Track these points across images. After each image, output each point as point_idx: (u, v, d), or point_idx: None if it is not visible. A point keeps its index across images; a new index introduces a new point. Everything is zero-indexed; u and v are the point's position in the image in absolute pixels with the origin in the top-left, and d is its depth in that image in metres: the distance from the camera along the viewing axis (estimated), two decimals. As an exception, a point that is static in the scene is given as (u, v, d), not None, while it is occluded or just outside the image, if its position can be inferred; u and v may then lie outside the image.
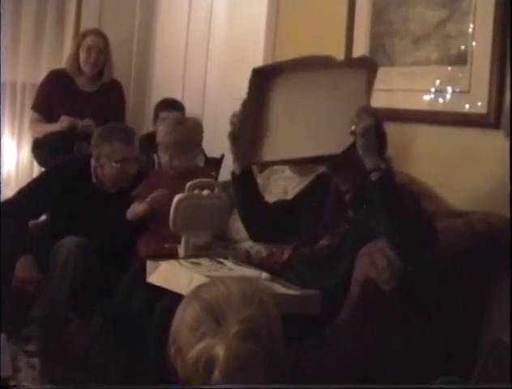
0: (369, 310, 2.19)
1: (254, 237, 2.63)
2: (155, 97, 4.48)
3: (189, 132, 2.85)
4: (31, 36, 4.79)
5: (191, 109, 3.94)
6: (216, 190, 2.52)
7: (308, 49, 2.81)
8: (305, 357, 2.11)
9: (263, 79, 2.33)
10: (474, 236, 2.39)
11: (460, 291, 2.37)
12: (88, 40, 4.03)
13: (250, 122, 2.32)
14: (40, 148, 3.98)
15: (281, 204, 2.67)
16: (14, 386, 2.14)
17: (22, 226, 2.90)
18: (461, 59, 2.74)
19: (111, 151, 2.91)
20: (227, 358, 1.14)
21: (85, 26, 4.52)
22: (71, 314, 2.90)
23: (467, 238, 2.38)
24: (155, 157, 3.59)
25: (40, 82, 4.18)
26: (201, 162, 3.45)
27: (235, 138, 2.31)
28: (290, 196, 2.96)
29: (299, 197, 2.58)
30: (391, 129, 2.34)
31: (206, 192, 2.49)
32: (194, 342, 1.18)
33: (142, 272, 2.40)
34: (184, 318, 1.23)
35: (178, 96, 4.20)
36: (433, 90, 2.85)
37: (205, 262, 2.33)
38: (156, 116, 3.83)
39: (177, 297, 1.64)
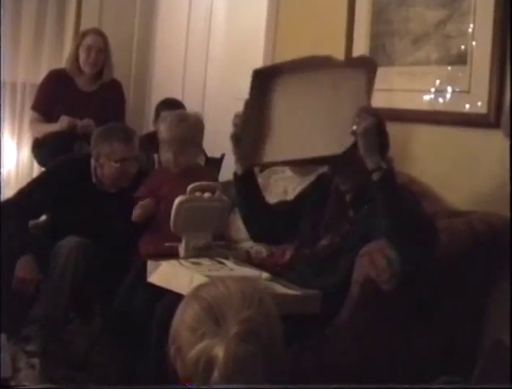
0: (369, 310, 2.19)
1: (255, 237, 2.63)
2: (155, 97, 4.48)
3: (193, 128, 2.86)
4: (31, 35, 4.79)
5: (191, 108, 3.93)
6: (217, 192, 2.52)
7: (308, 49, 2.82)
8: (305, 357, 2.11)
9: (264, 80, 2.33)
10: (474, 236, 2.39)
11: (460, 291, 2.38)
12: (88, 40, 4.03)
13: (252, 123, 2.32)
14: (40, 148, 3.98)
15: (282, 205, 2.67)
16: (14, 386, 2.14)
17: (22, 226, 2.90)
18: (461, 59, 2.74)
19: (110, 151, 2.91)
20: (226, 359, 1.14)
21: (85, 26, 4.51)
22: (71, 313, 2.91)
23: (467, 238, 2.38)
24: (156, 157, 3.59)
25: (40, 82, 4.18)
26: (201, 162, 3.45)
27: (237, 139, 2.31)
28: (290, 196, 2.96)
29: (300, 197, 2.58)
30: (391, 129, 2.34)
31: (207, 195, 2.49)
32: (193, 342, 1.18)
33: (143, 272, 2.40)
34: (184, 318, 1.23)
35: (178, 96, 4.20)
36: (433, 90, 2.85)
37: (205, 262, 2.34)
38: (158, 115, 3.83)
39: (178, 297, 1.64)
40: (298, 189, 2.86)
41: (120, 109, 4.16)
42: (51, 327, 2.74)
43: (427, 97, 2.88)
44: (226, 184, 2.80)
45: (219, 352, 1.15)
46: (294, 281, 2.19)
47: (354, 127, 2.07)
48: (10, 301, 2.67)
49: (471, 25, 2.70)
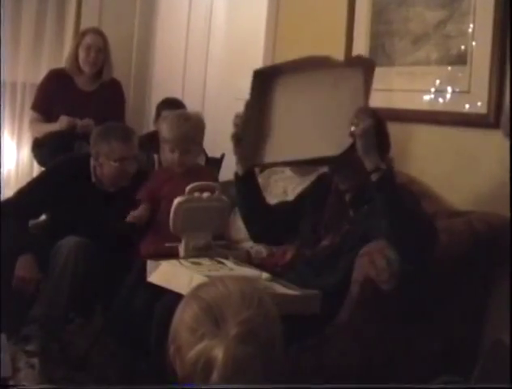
0: (369, 310, 2.19)
1: (255, 237, 2.63)
2: (155, 97, 4.48)
3: (195, 128, 2.86)
4: (31, 35, 4.79)
5: (191, 108, 3.93)
6: (217, 192, 2.51)
7: (308, 48, 2.82)
8: (305, 357, 2.11)
9: (265, 81, 2.33)
10: (474, 236, 2.39)
11: (460, 291, 2.38)
12: (87, 39, 4.03)
13: (253, 123, 2.32)
14: (39, 148, 3.98)
15: (282, 205, 2.67)
16: (14, 385, 2.14)
17: (22, 226, 2.91)
18: (461, 59, 2.74)
19: (109, 150, 2.91)
20: (225, 361, 1.14)
21: (85, 25, 4.51)
22: (71, 313, 2.90)
23: (467, 238, 2.38)
24: (155, 157, 3.59)
25: (40, 82, 4.18)
26: (202, 161, 3.45)
27: (238, 139, 2.31)
28: (290, 196, 2.96)
29: (300, 197, 2.58)
30: (391, 129, 2.34)
31: (206, 195, 2.49)
32: (193, 343, 1.18)
33: (144, 272, 2.40)
34: (183, 318, 1.23)
35: (178, 96, 4.20)
36: (432, 90, 2.85)
37: (205, 261, 2.33)
38: (158, 115, 3.83)
39: (178, 297, 1.64)
40: (298, 189, 2.86)
41: (120, 108, 4.16)
42: (51, 326, 2.74)
43: (427, 97, 2.88)
44: (226, 184, 2.80)
45: (219, 353, 1.15)
46: (294, 281, 2.19)
47: (352, 128, 2.07)
48: (9, 301, 2.67)
49: (471, 25, 2.70)
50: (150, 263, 2.36)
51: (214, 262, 2.33)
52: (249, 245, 3.09)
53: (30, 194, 3.00)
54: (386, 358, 2.20)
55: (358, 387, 1.95)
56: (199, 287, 1.29)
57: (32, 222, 3.07)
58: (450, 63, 2.79)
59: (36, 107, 4.08)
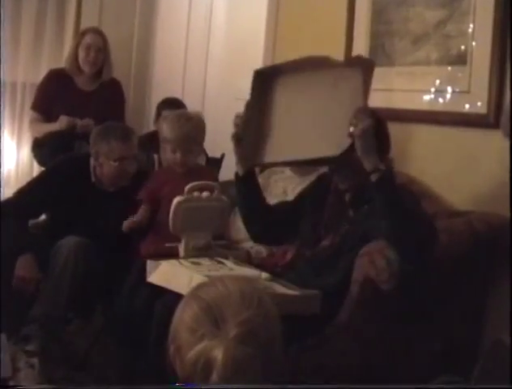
0: (369, 310, 2.19)
1: (255, 237, 2.63)
2: (155, 97, 4.48)
3: (197, 127, 2.86)
4: (31, 35, 4.79)
5: (191, 108, 3.93)
6: (216, 192, 2.51)
7: (308, 48, 2.82)
8: (305, 357, 2.11)
9: (265, 81, 2.33)
10: (474, 236, 2.39)
11: (460, 291, 2.38)
12: (87, 39, 4.03)
13: (253, 123, 2.32)
14: (39, 148, 3.98)
15: (282, 205, 2.67)
16: (14, 386, 2.14)
17: (22, 225, 2.91)
18: (461, 59, 2.74)
19: (109, 150, 2.91)
20: (225, 361, 1.14)
21: (85, 25, 4.51)
22: (71, 313, 2.90)
23: (467, 238, 2.38)
24: (155, 157, 3.59)
25: (40, 81, 4.18)
26: (202, 161, 3.45)
27: (238, 139, 2.31)
28: (290, 196, 2.96)
29: (300, 197, 2.58)
30: (391, 129, 2.34)
31: (205, 194, 2.49)
32: (192, 343, 1.18)
33: (145, 272, 2.40)
34: (183, 318, 1.23)
35: (178, 96, 4.19)
36: (432, 90, 2.85)
37: (205, 261, 2.33)
38: (159, 115, 3.83)
39: (178, 296, 1.64)
40: (298, 189, 2.86)
41: (119, 108, 4.16)
42: (51, 326, 2.74)
43: (427, 97, 2.88)
44: (226, 184, 2.80)
45: (218, 354, 1.14)
46: (294, 281, 2.19)
47: (351, 129, 2.07)
48: (9, 301, 2.67)
49: (471, 25, 2.70)
50: (150, 263, 2.36)
51: (214, 262, 2.33)
52: (249, 245, 3.08)
53: (30, 194, 3.00)
54: (386, 358, 2.20)
55: (358, 387, 1.95)
56: (199, 287, 1.28)
57: (31, 222, 3.07)
58: (450, 63, 2.79)
59: (35, 107, 4.08)
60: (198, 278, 2.01)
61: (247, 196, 2.46)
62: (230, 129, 2.32)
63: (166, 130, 2.83)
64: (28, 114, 4.27)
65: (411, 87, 2.98)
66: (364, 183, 2.12)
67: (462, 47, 2.73)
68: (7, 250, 2.75)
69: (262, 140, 2.33)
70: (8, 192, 3.34)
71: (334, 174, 2.37)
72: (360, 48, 3.16)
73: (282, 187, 3.29)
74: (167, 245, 2.55)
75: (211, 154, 3.73)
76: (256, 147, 2.33)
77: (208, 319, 1.19)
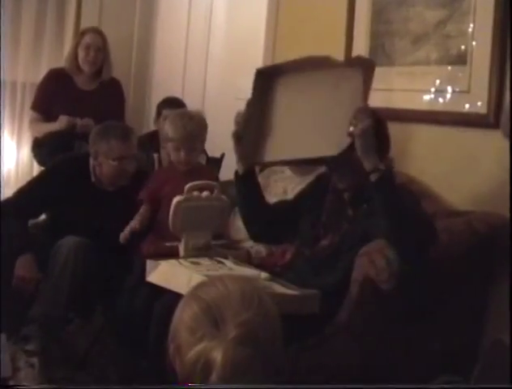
0: (368, 310, 2.19)
1: (255, 237, 2.62)
2: (155, 96, 4.48)
3: (200, 126, 2.88)
4: (31, 35, 4.79)
5: (191, 108, 3.93)
6: (216, 191, 2.51)
7: (308, 48, 2.82)
8: (305, 357, 2.11)
9: (267, 80, 2.33)
10: (473, 235, 2.39)
11: (459, 290, 2.37)
12: (87, 39, 4.03)
13: (254, 122, 2.33)
14: (39, 148, 3.98)
15: (282, 204, 2.67)
16: (14, 385, 2.14)
17: (21, 225, 2.91)
18: (461, 59, 2.74)
19: (108, 149, 2.91)
20: (224, 363, 1.14)
21: (85, 25, 4.51)
22: (71, 313, 2.90)
23: (467, 238, 2.38)
24: (155, 157, 3.59)
25: (39, 81, 4.18)
26: (203, 161, 3.45)
27: (239, 137, 2.31)
28: (290, 196, 2.96)
29: (299, 196, 2.58)
30: (391, 129, 2.34)
31: (205, 194, 2.49)
32: (192, 343, 1.18)
33: (144, 272, 2.40)
34: (183, 317, 1.22)
35: (178, 96, 4.20)
36: (432, 90, 2.85)
37: (205, 261, 2.33)
38: (159, 114, 3.83)
39: (177, 296, 1.64)
40: (298, 189, 2.85)
41: (119, 107, 4.16)
42: (50, 326, 2.74)
43: (427, 97, 2.88)
44: (225, 184, 2.80)
45: (218, 355, 1.14)
46: (293, 281, 2.19)
47: (351, 128, 2.07)
48: (9, 301, 2.67)
49: (471, 25, 2.70)
50: (149, 263, 2.36)
51: (213, 262, 2.33)
52: (249, 244, 3.08)
53: (30, 194, 3.00)
54: (386, 358, 2.20)
55: (358, 387, 1.95)
56: (199, 286, 1.28)
57: (31, 222, 3.07)
58: (450, 63, 2.79)
59: (35, 107, 4.08)
60: (197, 278, 2.01)
61: (247, 195, 2.46)
62: (230, 129, 2.32)
63: (169, 128, 2.84)
64: (28, 114, 4.27)
65: (411, 86, 2.98)
66: (364, 182, 2.12)
67: (462, 47, 2.73)
68: (7, 249, 2.75)
69: (262, 139, 2.33)
70: (8, 192, 3.34)
71: (332, 174, 2.37)
72: (360, 48, 3.16)
73: (282, 187, 3.29)
74: (167, 244, 2.55)
75: (210, 154, 3.73)
76: (256, 145, 2.34)
77: (208, 320, 1.18)
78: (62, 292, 2.78)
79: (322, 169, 2.59)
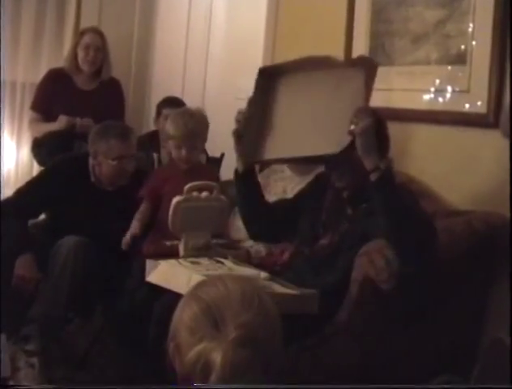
0: (368, 310, 2.19)
1: (254, 236, 2.63)
2: (155, 96, 4.48)
3: (201, 124, 2.88)
4: (30, 35, 4.78)
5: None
6: (215, 191, 2.51)
7: (308, 48, 2.82)
8: (305, 357, 2.11)
9: (268, 79, 2.34)
10: (473, 235, 2.38)
11: (459, 290, 2.37)
12: (86, 38, 4.03)
13: (255, 121, 2.33)
14: (39, 148, 3.98)
15: (281, 203, 2.68)
16: (14, 385, 2.14)
17: (21, 225, 2.91)
18: (460, 59, 2.74)
19: (107, 149, 2.91)
20: (224, 364, 1.13)
21: (85, 25, 4.50)
22: (71, 313, 2.90)
23: (467, 238, 2.37)
24: (155, 156, 3.59)
25: (39, 81, 4.18)
26: (203, 160, 3.45)
27: (239, 135, 2.31)
28: (290, 196, 2.96)
29: (299, 196, 2.58)
30: (391, 128, 2.34)
31: (204, 194, 2.49)
32: (192, 343, 1.17)
33: (144, 271, 2.40)
34: (182, 317, 1.22)
35: (178, 95, 4.20)
36: (432, 89, 2.85)
37: (204, 261, 2.33)
38: (159, 114, 3.83)
39: (177, 296, 1.64)
40: (297, 188, 2.86)
41: (119, 107, 4.16)
42: (50, 326, 2.74)
43: (427, 97, 2.88)
44: (225, 183, 2.80)
45: (217, 357, 1.14)
46: (293, 281, 2.19)
47: (352, 127, 2.07)
48: (9, 301, 2.67)
49: (471, 25, 2.70)
50: (149, 263, 2.36)
51: (213, 262, 2.33)
52: (248, 244, 3.08)
53: (29, 194, 3.00)
54: (386, 358, 2.20)
55: (358, 387, 1.95)
56: (199, 286, 1.28)
57: (31, 222, 3.07)
58: (450, 63, 2.79)
59: (35, 107, 4.09)
60: (196, 277, 2.01)
61: (246, 194, 2.46)
62: (230, 129, 2.33)
63: (170, 126, 2.84)
64: (28, 114, 4.27)
65: (411, 86, 2.97)
66: (363, 181, 2.12)
67: (462, 47, 2.73)
68: (7, 249, 2.75)
69: (262, 138, 2.34)
70: (8, 192, 3.34)
71: (332, 173, 2.36)
72: (360, 48, 3.16)
73: (282, 187, 3.29)
74: (167, 243, 2.55)
75: (210, 154, 3.73)
76: (256, 144, 2.34)
77: (207, 320, 1.18)
78: (62, 292, 2.78)
79: (321, 169, 2.59)
